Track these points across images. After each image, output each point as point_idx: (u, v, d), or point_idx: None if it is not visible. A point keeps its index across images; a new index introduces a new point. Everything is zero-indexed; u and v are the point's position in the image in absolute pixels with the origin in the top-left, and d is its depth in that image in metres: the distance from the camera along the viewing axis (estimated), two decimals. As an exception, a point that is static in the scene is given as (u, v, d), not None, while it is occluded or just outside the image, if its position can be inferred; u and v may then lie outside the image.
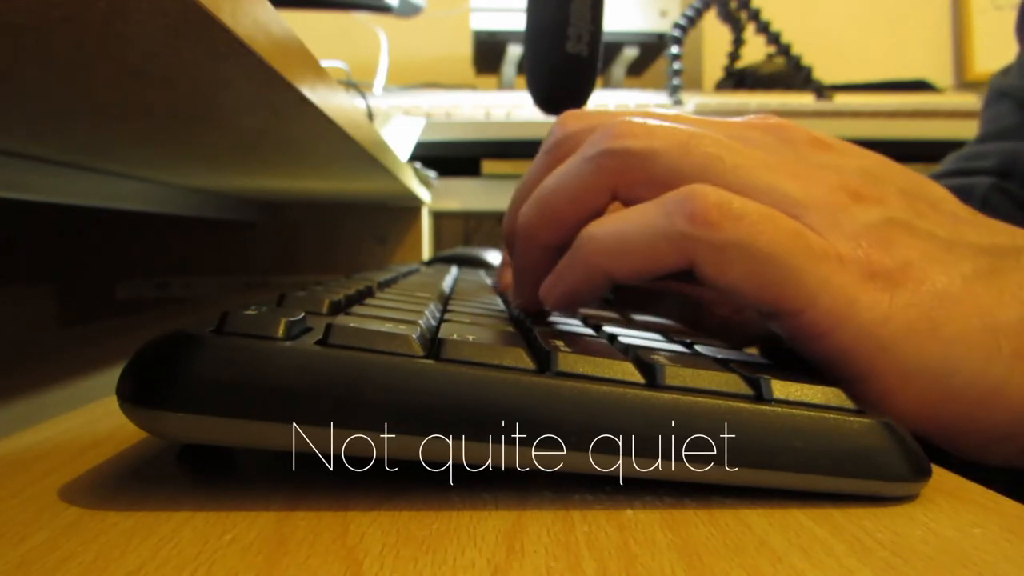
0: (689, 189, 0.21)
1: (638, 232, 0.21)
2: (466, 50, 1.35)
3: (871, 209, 0.22)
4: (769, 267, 0.20)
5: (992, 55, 1.53)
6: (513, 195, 0.28)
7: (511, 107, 1.08)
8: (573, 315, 0.28)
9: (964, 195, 0.30)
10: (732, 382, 0.18)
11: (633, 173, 0.23)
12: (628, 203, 0.23)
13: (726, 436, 0.17)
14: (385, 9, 0.98)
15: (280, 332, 0.16)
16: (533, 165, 0.27)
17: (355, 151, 0.44)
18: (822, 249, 0.21)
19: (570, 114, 0.27)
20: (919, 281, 0.21)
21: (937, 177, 0.50)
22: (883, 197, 0.23)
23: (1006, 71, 0.53)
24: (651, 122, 0.23)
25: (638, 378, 0.17)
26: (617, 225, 0.22)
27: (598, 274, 0.22)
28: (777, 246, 0.20)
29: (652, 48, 1.29)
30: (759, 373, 0.19)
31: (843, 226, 0.21)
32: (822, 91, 1.16)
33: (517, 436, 0.16)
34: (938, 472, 0.19)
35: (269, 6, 0.22)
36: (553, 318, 0.26)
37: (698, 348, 0.22)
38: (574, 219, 0.24)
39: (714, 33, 1.46)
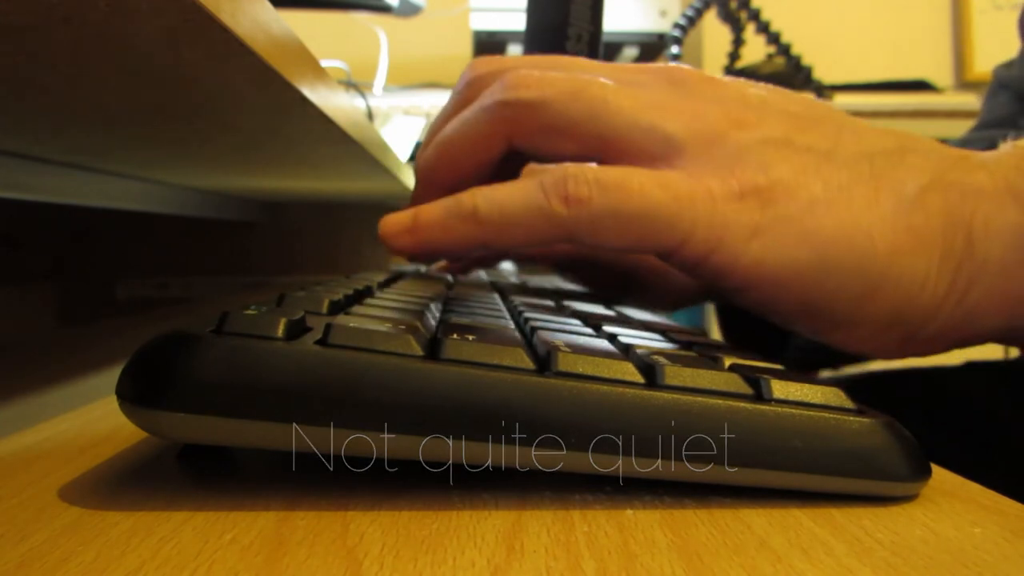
0: (563, 171, 0.23)
1: (518, 211, 0.23)
2: (466, 50, 1.35)
3: (749, 133, 0.23)
4: (642, 222, 0.22)
5: (992, 55, 1.53)
6: (426, 135, 0.30)
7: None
8: (573, 315, 0.28)
9: None
10: (732, 382, 0.18)
11: (526, 122, 0.25)
12: (524, 150, 0.26)
13: (726, 436, 0.17)
14: (385, 9, 0.98)
15: (280, 332, 0.16)
16: (445, 105, 0.29)
17: (355, 151, 0.44)
18: (689, 190, 0.22)
19: (481, 59, 0.28)
20: (791, 194, 0.22)
21: None
22: (763, 120, 0.24)
23: (1009, 64, 0.53)
24: (546, 72, 0.25)
25: (638, 378, 0.17)
26: (500, 202, 0.23)
27: (475, 242, 0.24)
28: (645, 201, 0.22)
29: (652, 48, 1.29)
30: (759, 373, 0.19)
31: (717, 157, 0.23)
32: (822, 91, 1.16)
33: (517, 436, 0.16)
34: (938, 472, 0.19)
35: (269, 6, 0.22)
36: (553, 317, 0.26)
37: (698, 348, 0.22)
38: (470, 165, 0.26)
39: (714, 33, 1.46)
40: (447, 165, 0.27)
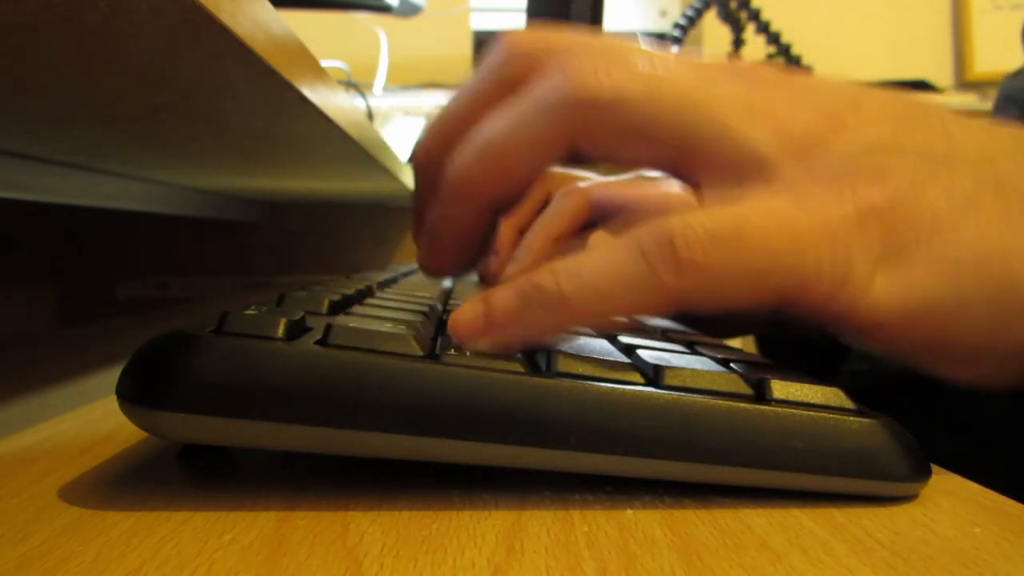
0: (665, 230, 0.18)
1: (616, 289, 0.19)
2: (466, 50, 1.35)
3: (850, 137, 0.20)
4: (765, 276, 0.19)
5: (992, 55, 1.53)
6: (439, 119, 0.24)
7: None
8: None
9: None
10: (732, 382, 0.18)
11: (596, 125, 0.21)
12: (588, 154, 0.21)
13: (726, 436, 0.17)
14: (385, 9, 0.98)
15: (280, 332, 0.16)
16: (467, 89, 0.23)
17: (355, 151, 0.44)
18: (808, 226, 0.19)
19: (520, 35, 0.23)
20: (913, 212, 0.19)
21: None
22: (862, 120, 0.21)
23: (1016, 74, 0.52)
24: (613, 63, 0.21)
25: (638, 378, 0.17)
26: (591, 281, 0.19)
27: (563, 330, 0.20)
28: (767, 253, 0.19)
29: (652, 48, 1.29)
30: (759, 373, 0.19)
31: (818, 170, 0.20)
32: (822, 91, 1.16)
33: (517, 436, 0.16)
34: (938, 472, 0.19)
35: (269, 6, 0.22)
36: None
37: (698, 348, 0.22)
38: (524, 175, 0.21)
39: (714, 33, 1.46)
40: (493, 176, 0.21)
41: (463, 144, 0.22)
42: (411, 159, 0.25)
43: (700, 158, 0.21)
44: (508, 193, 0.22)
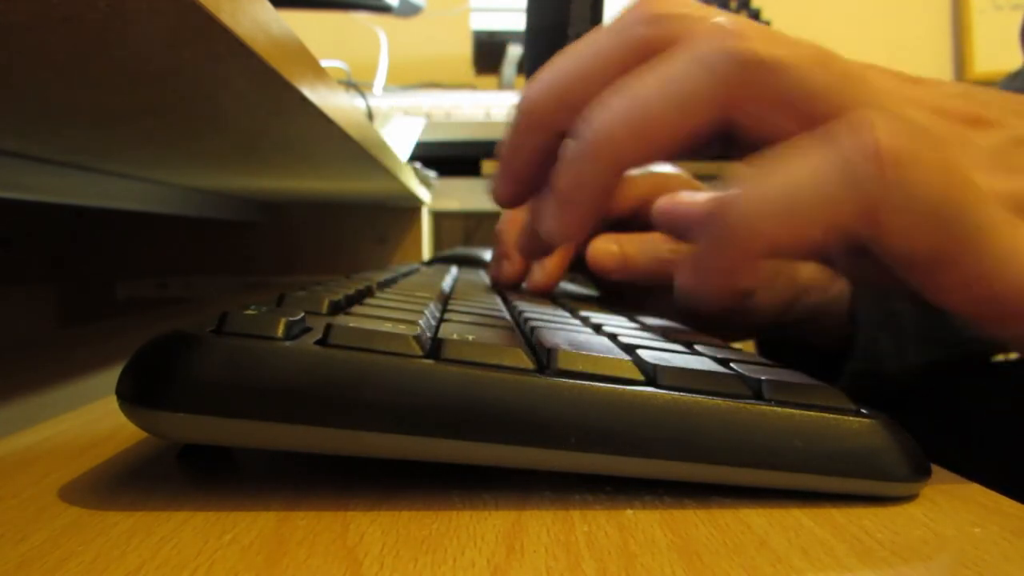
0: (866, 122, 0.16)
1: (813, 192, 0.16)
2: (466, 50, 1.35)
3: (992, 132, 0.20)
4: (944, 212, 0.17)
5: (992, 55, 1.53)
6: (556, 74, 0.22)
7: (511, 107, 1.07)
8: (573, 314, 0.28)
9: None
10: (732, 382, 0.18)
11: (759, 87, 0.19)
12: (738, 126, 0.20)
13: (726, 436, 0.17)
14: (385, 9, 0.98)
15: (280, 332, 0.16)
16: (593, 45, 0.21)
17: (355, 151, 0.44)
18: (984, 185, 0.18)
19: (665, 6, 0.21)
20: None
21: None
22: (1002, 118, 0.20)
23: (1015, 76, 0.52)
24: (771, 32, 0.19)
25: (638, 378, 0.17)
26: (780, 184, 0.17)
27: (756, 254, 0.17)
28: (962, 183, 0.17)
29: (652, 48, 1.29)
30: (759, 373, 0.19)
31: (973, 157, 0.19)
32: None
33: (517, 436, 0.16)
34: (938, 472, 0.19)
35: (269, 6, 0.22)
36: (551, 317, 0.26)
37: (698, 348, 0.22)
38: (673, 138, 0.19)
39: (714, 33, 1.46)
40: (643, 137, 0.19)
41: (604, 103, 0.20)
42: (518, 111, 0.23)
43: None
44: (653, 158, 0.20)
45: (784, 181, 0.17)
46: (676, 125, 0.19)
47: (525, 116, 0.23)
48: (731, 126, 0.20)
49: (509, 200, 0.25)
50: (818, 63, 0.19)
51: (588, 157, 0.20)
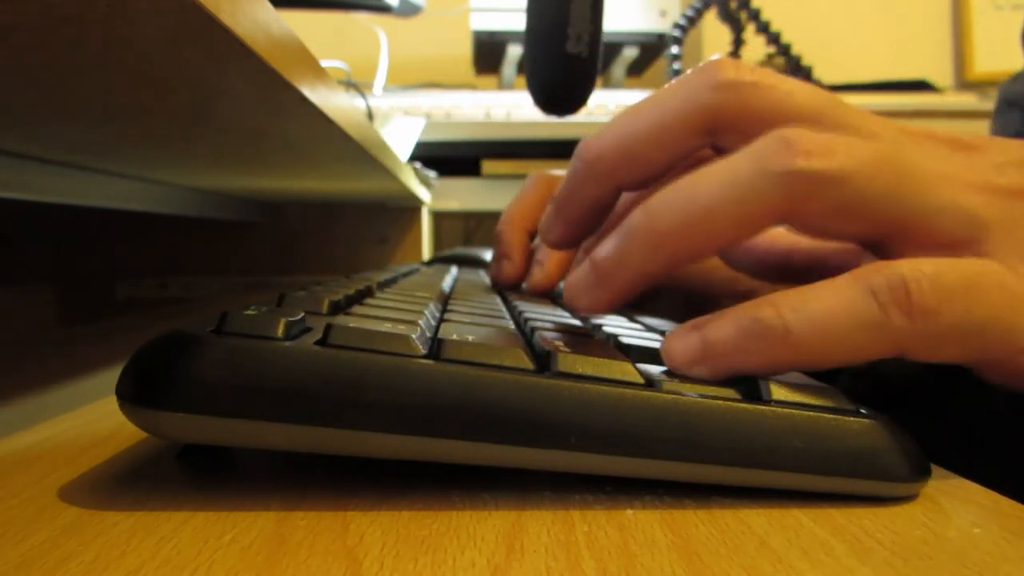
0: (896, 272, 0.18)
1: (844, 329, 0.18)
2: (466, 50, 1.35)
3: None
4: (986, 332, 0.19)
5: (992, 55, 1.53)
6: (625, 130, 0.23)
7: (511, 107, 1.08)
8: (573, 314, 0.28)
9: None
10: (731, 383, 0.18)
11: (819, 200, 0.20)
12: (799, 229, 0.21)
13: (726, 436, 0.17)
14: (385, 9, 0.98)
15: (280, 332, 0.16)
16: (663, 105, 0.22)
17: (355, 151, 0.44)
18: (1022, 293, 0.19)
19: (727, 62, 0.22)
20: None
21: None
22: None
23: (1016, 78, 0.52)
24: (836, 135, 0.20)
25: (638, 378, 0.17)
26: (819, 319, 0.18)
27: (781, 367, 0.19)
28: (992, 308, 0.19)
29: (652, 48, 1.29)
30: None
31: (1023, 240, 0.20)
32: (822, 91, 1.15)
33: (517, 436, 0.16)
34: (938, 472, 0.19)
35: (269, 6, 0.22)
36: (551, 317, 0.26)
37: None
38: (730, 240, 0.20)
39: (714, 33, 1.46)
40: (700, 236, 0.20)
41: (667, 195, 0.21)
42: (582, 162, 0.24)
43: (918, 232, 0.20)
44: (709, 255, 0.21)
45: (818, 310, 0.18)
46: (737, 231, 0.20)
47: (587, 167, 0.24)
48: (792, 228, 0.21)
49: (559, 243, 0.26)
50: (875, 170, 0.20)
51: (638, 243, 0.21)
